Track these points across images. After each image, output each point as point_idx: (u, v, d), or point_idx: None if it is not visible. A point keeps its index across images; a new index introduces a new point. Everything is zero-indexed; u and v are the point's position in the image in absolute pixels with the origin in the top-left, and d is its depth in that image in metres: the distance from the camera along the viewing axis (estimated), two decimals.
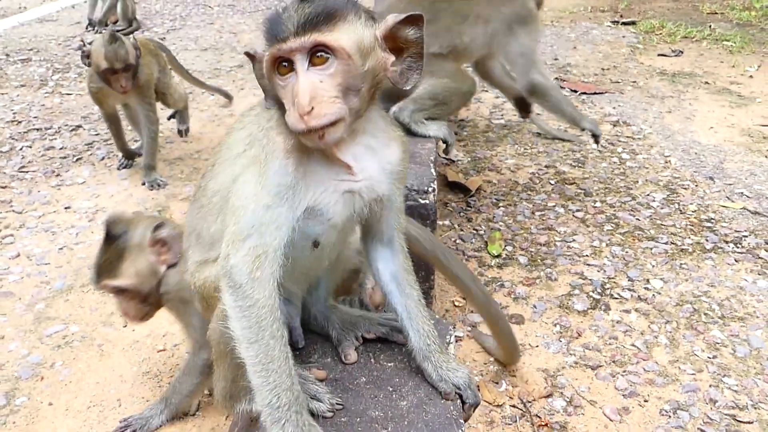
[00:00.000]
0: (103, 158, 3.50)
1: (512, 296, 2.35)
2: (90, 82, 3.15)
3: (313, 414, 1.20)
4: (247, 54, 1.22)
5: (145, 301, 1.77)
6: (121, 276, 1.73)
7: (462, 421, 1.22)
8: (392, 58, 1.17)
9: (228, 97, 4.14)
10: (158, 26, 6.10)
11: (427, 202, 1.97)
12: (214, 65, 4.93)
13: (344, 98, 1.11)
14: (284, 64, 1.12)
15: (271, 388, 1.14)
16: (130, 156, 3.40)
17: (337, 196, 1.19)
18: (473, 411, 1.33)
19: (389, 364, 1.35)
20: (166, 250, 1.74)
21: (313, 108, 1.08)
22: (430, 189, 1.98)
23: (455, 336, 2.02)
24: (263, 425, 1.13)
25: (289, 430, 1.12)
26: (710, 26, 5.99)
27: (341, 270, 1.48)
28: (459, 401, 1.27)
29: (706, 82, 4.66)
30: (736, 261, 2.56)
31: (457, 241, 2.68)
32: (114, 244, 1.74)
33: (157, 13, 6.64)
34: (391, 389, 1.27)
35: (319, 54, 1.10)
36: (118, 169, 3.37)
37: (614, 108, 4.15)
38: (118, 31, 4.41)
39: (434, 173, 2.05)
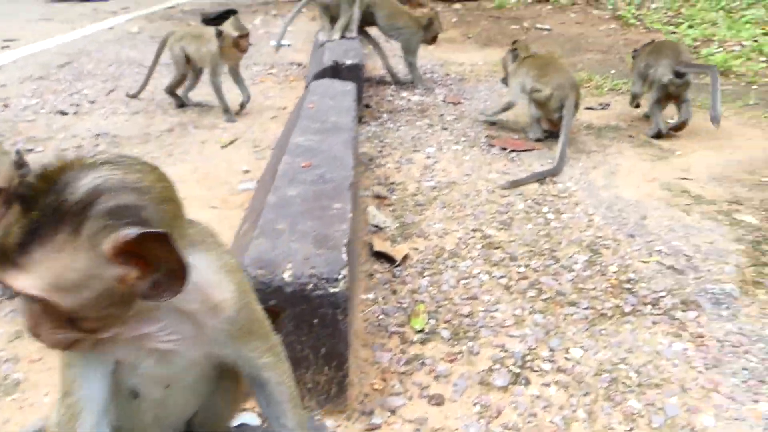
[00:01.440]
0: None
1: (433, 375, 2.33)
2: None
3: None
4: None
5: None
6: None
7: None
8: (133, 272, 0.98)
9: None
10: (88, 88, 6.02)
11: (337, 290, 1.95)
12: (144, 129, 4.87)
13: (78, 325, 0.97)
14: None
15: None
16: None
17: (141, 354, 1.11)
18: None
19: None
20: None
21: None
22: (340, 276, 1.97)
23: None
24: None
25: None
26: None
27: (214, 409, 1.40)
28: None
29: (630, 136, 4.82)
30: (653, 323, 2.61)
31: (380, 317, 2.67)
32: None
33: (89, 74, 6.56)
34: None
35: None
36: None
37: (542, 165, 4.24)
38: None
39: (345, 259, 2.04)
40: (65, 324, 0.97)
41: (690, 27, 8.30)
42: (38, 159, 4.34)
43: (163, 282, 0.98)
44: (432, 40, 6.14)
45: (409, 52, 6.08)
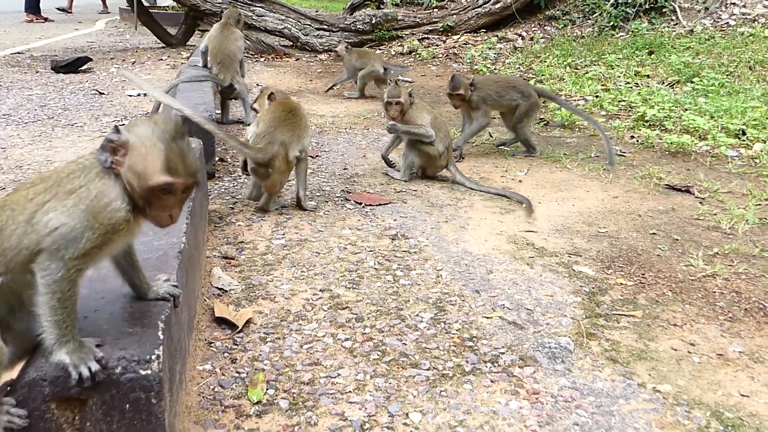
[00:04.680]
0: None
1: None
2: None
3: None
4: None
5: None
6: None
7: None
8: None
9: None
10: None
11: (149, 372, 1.81)
12: None
13: None
14: None
15: None
16: None
17: None
18: None
19: None
20: None
21: None
22: (153, 357, 1.83)
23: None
24: None
25: None
26: (489, 133, 6.49)
27: None
28: None
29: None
30: (492, 382, 2.63)
31: (216, 389, 2.52)
32: None
33: None
34: None
35: None
36: None
37: (395, 220, 4.28)
38: None
39: (162, 337, 1.90)
40: None
41: (540, 82, 8.84)
42: None
43: None
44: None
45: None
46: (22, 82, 8.31)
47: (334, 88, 8.49)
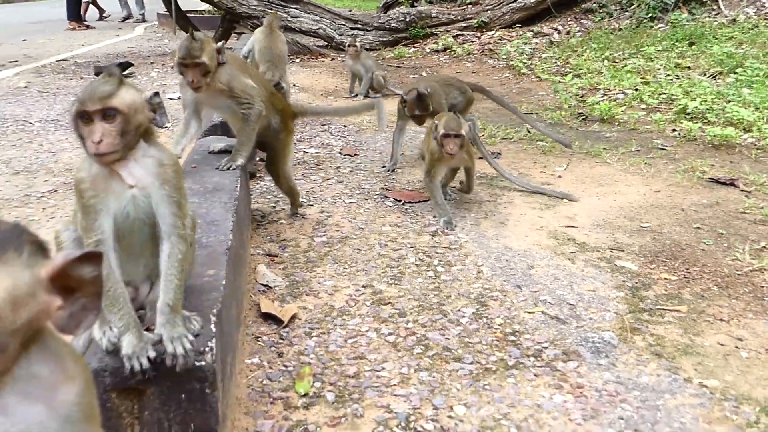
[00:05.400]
0: None
1: None
2: None
3: None
4: None
5: None
6: None
7: None
8: (58, 301, 1.03)
9: None
10: None
11: (204, 364, 1.87)
12: (24, 191, 4.64)
13: None
14: None
15: None
16: None
17: None
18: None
19: None
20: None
21: None
22: (206, 349, 1.89)
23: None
24: None
25: None
26: (527, 128, 6.46)
27: None
28: None
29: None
30: (535, 376, 2.64)
31: (264, 382, 2.58)
32: None
33: None
34: None
35: None
36: None
37: (434, 217, 4.30)
38: None
39: (214, 330, 1.97)
40: None
41: (577, 76, 8.76)
42: None
43: (81, 312, 1.04)
44: None
45: None
46: (68, 88, 8.55)
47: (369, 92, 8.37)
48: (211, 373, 1.89)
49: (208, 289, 2.20)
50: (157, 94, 1.99)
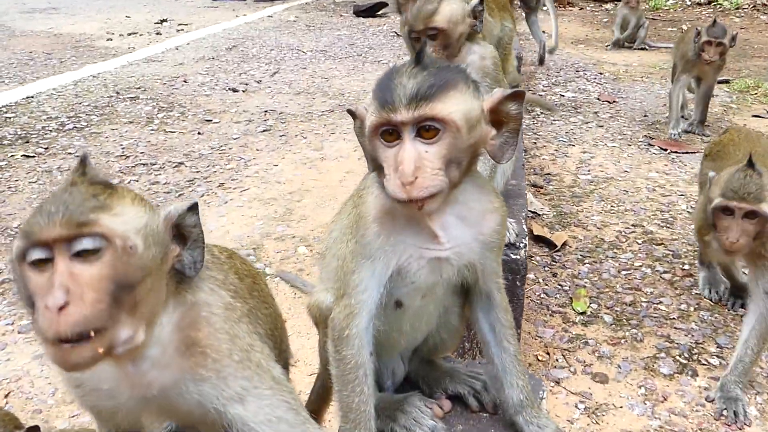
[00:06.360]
0: (203, 195, 3.71)
1: (596, 354, 2.36)
2: None
3: None
4: (350, 112, 1.30)
5: None
6: None
7: None
8: (493, 131, 1.18)
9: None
10: (254, 69, 6.44)
11: (518, 257, 2.03)
12: (306, 109, 5.16)
13: (446, 170, 1.11)
14: (389, 131, 1.12)
15: (346, 429, 1.26)
16: None
17: (422, 263, 1.24)
18: None
19: (485, 414, 1.40)
20: None
21: (416, 178, 1.08)
22: (521, 245, 2.04)
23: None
24: None
25: None
26: None
27: (444, 330, 1.49)
28: None
29: None
30: None
31: (542, 296, 2.72)
32: None
33: (254, 57, 7.00)
34: None
35: (428, 127, 1.10)
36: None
37: None
38: None
39: (526, 229, 2.11)
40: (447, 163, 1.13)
41: None
42: (216, 129, 4.72)
43: (505, 144, 1.20)
44: None
45: None
46: (331, 24, 9.24)
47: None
48: (523, 266, 2.04)
49: (514, 195, 2.34)
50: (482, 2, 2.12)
